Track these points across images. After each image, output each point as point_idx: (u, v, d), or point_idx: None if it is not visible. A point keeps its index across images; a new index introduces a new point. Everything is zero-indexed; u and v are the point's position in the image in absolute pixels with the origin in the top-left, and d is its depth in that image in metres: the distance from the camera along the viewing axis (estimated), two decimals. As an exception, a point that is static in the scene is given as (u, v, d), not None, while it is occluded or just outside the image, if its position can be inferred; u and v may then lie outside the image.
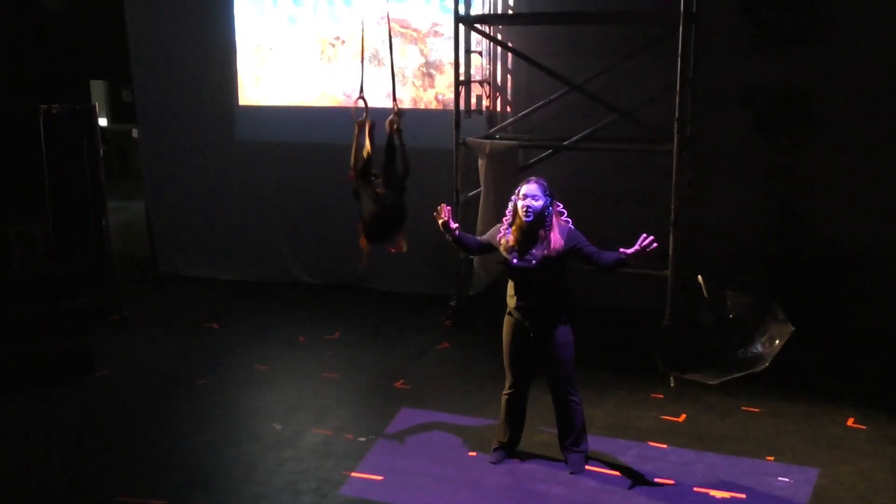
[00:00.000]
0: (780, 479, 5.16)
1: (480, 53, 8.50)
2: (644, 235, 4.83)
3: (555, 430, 5.37)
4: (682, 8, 6.87)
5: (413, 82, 8.66)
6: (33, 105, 7.91)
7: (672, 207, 7.11)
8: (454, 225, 5.17)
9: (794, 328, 6.23)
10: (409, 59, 8.62)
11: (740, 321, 6.64)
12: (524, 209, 4.98)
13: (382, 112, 8.07)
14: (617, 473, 5.23)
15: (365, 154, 6.42)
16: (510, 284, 5.17)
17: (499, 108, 8.62)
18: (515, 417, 5.36)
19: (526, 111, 8.21)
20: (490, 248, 5.26)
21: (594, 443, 5.43)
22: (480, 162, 7.78)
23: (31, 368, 6.69)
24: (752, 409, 6.12)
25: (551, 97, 8.00)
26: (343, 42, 8.91)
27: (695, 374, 6.47)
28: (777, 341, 6.32)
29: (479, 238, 5.48)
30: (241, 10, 9.21)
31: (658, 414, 6.06)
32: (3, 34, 9.51)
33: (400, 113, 6.71)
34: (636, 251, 4.85)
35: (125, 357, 7.29)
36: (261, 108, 9.33)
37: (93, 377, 6.84)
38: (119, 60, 9.67)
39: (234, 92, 9.37)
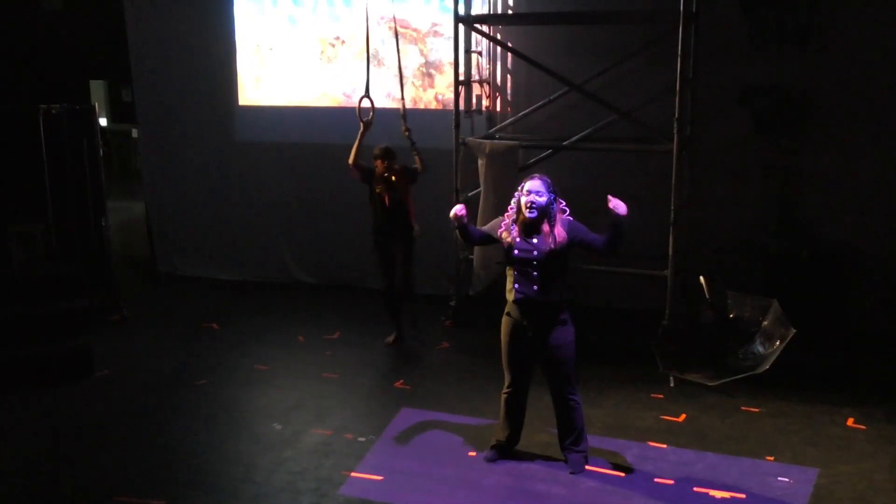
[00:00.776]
0: (780, 479, 5.16)
1: (480, 53, 8.50)
2: (609, 197, 4.94)
3: (555, 430, 5.37)
4: (682, 8, 6.87)
5: (413, 82, 8.65)
6: (33, 105, 7.92)
7: (672, 207, 7.12)
8: (466, 219, 5.20)
9: (794, 330, 6.23)
10: (408, 59, 8.62)
11: (740, 321, 6.64)
12: (528, 204, 4.99)
13: (384, 112, 8.13)
14: (617, 473, 5.23)
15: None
16: (509, 279, 5.17)
17: (499, 108, 8.62)
18: (514, 416, 5.36)
19: (526, 111, 8.21)
20: (490, 239, 5.27)
21: (594, 443, 5.43)
22: (480, 162, 7.78)
23: (31, 368, 6.68)
24: (752, 409, 6.12)
25: (551, 97, 8.00)
26: (343, 42, 8.91)
27: (695, 374, 6.47)
28: (777, 342, 6.32)
29: (480, 229, 5.49)
30: (241, 10, 9.21)
31: (658, 414, 6.06)
32: (3, 34, 9.52)
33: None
34: (615, 206, 4.91)
35: (125, 357, 7.29)
36: (261, 108, 9.33)
37: (93, 377, 6.84)
38: (119, 60, 9.67)
39: (234, 92, 9.37)
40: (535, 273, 5.03)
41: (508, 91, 8.57)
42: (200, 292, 9.25)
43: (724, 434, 5.76)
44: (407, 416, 6.05)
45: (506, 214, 5.18)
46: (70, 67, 9.92)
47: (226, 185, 9.52)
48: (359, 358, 7.25)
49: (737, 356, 6.53)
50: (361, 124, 7.49)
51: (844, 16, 7.45)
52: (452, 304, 8.08)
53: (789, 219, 7.73)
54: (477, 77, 8.49)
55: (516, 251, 5.05)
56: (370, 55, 8.14)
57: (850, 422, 5.90)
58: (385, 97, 8.51)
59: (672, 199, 7.11)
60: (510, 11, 8.41)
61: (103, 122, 14.88)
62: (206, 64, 9.36)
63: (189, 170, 9.62)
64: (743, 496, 4.96)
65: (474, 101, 8.43)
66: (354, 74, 8.63)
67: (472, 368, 6.90)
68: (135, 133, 11.54)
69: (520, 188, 5.11)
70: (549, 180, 5.09)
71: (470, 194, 8.19)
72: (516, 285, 5.11)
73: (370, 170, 7.28)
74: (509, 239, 5.08)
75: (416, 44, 8.67)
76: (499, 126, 8.48)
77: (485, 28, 8.16)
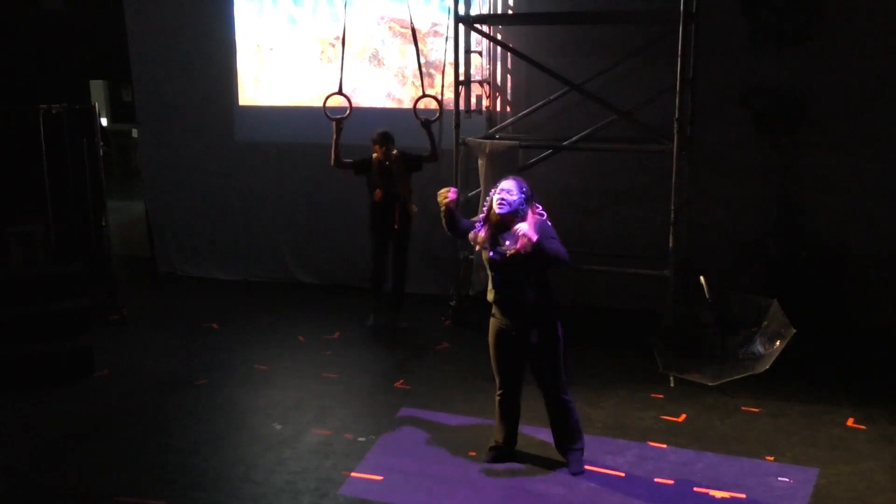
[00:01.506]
0: (779, 479, 5.16)
1: (480, 53, 8.50)
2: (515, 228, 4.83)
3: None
4: (682, 8, 6.87)
5: (413, 82, 8.65)
6: (33, 105, 7.92)
7: (672, 207, 7.12)
8: (454, 203, 5.16)
9: (795, 330, 6.23)
10: (408, 59, 8.62)
11: (740, 321, 6.64)
12: (499, 201, 4.97)
13: (382, 112, 8.14)
14: (617, 473, 5.23)
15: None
16: (489, 278, 5.14)
17: (499, 108, 8.62)
18: (509, 418, 5.35)
19: (526, 111, 8.21)
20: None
21: (594, 443, 5.43)
22: (480, 162, 7.78)
23: (31, 368, 6.68)
24: (751, 409, 6.12)
25: (551, 97, 8.00)
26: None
27: (695, 374, 6.47)
28: (778, 342, 6.32)
29: (468, 220, 5.33)
30: (241, 11, 9.21)
31: (658, 414, 6.06)
32: (3, 34, 9.51)
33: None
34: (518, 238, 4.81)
35: (125, 357, 7.29)
36: (261, 108, 9.33)
37: (93, 377, 6.84)
38: (119, 60, 9.67)
39: (234, 92, 9.37)
40: (508, 272, 4.98)
41: (508, 91, 8.57)
42: (200, 292, 9.25)
43: (724, 434, 5.76)
44: (407, 416, 6.05)
45: (479, 215, 5.16)
46: (70, 67, 9.91)
47: (226, 185, 9.52)
48: (359, 358, 7.25)
49: (737, 356, 6.53)
50: (333, 123, 7.57)
51: (844, 16, 7.45)
52: (452, 303, 8.08)
53: (789, 219, 7.74)
54: (477, 77, 8.50)
55: (489, 252, 5.03)
56: (371, 55, 8.17)
57: (850, 422, 5.90)
58: (385, 97, 8.51)
59: (672, 199, 7.11)
60: (510, 11, 8.41)
61: (104, 122, 14.87)
62: (206, 64, 9.36)
63: (189, 170, 9.62)
64: (743, 496, 4.96)
65: (474, 101, 8.43)
66: (355, 75, 8.63)
67: (472, 368, 6.89)
68: (135, 133, 11.54)
69: (494, 188, 5.09)
70: (523, 182, 5.05)
71: (470, 194, 8.20)
72: (492, 285, 5.09)
73: (361, 161, 7.53)
74: (479, 239, 5.05)
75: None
76: (499, 126, 8.48)
77: (485, 28, 8.16)
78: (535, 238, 4.80)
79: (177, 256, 9.83)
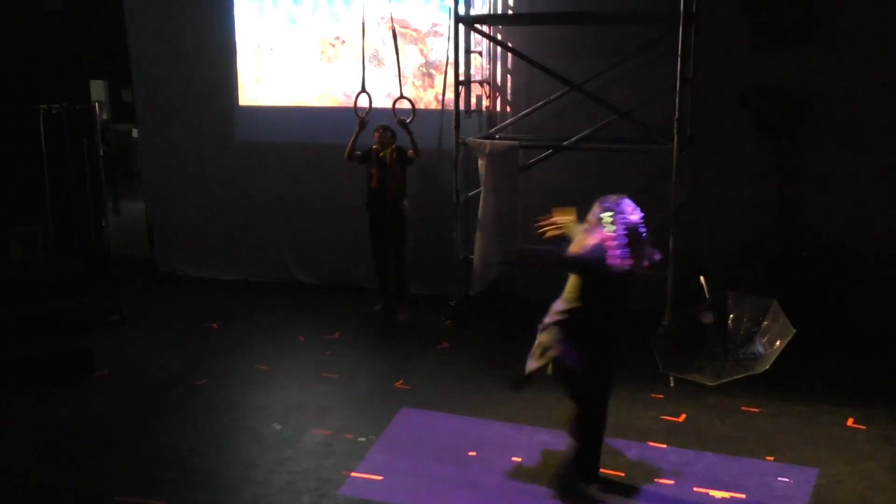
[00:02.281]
0: (779, 479, 5.17)
1: (480, 53, 8.50)
2: None
3: (555, 430, 5.37)
4: (682, 8, 6.88)
5: (413, 82, 8.65)
6: (33, 105, 7.92)
7: (672, 208, 7.11)
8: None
9: (795, 330, 6.23)
10: (408, 59, 8.62)
11: (740, 321, 6.64)
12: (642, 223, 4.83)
13: (385, 111, 8.15)
14: (617, 473, 5.23)
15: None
16: (584, 311, 4.74)
17: (499, 108, 8.62)
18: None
19: (526, 111, 8.21)
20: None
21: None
22: (480, 162, 7.78)
23: (31, 368, 6.68)
24: (751, 409, 6.12)
25: (551, 97, 8.00)
26: (343, 42, 8.90)
27: (695, 374, 6.47)
28: (778, 343, 6.32)
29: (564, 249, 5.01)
30: (241, 11, 9.20)
31: (658, 414, 6.06)
32: (3, 34, 9.51)
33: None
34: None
35: (125, 357, 7.29)
36: (261, 109, 9.33)
37: (93, 377, 6.84)
38: (119, 60, 9.67)
39: (234, 92, 9.37)
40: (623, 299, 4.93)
41: (508, 91, 8.56)
42: (200, 292, 9.24)
43: (724, 434, 5.76)
44: (407, 416, 6.05)
45: (607, 237, 4.82)
46: (70, 67, 9.90)
47: (226, 186, 9.52)
48: (359, 358, 7.25)
49: (737, 356, 6.53)
50: (359, 121, 8.03)
51: (844, 16, 7.45)
52: (452, 303, 8.08)
53: (789, 219, 7.73)
54: (477, 77, 8.49)
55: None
56: (371, 56, 8.15)
57: (850, 422, 5.90)
58: (385, 97, 8.50)
59: (672, 199, 7.09)
60: (510, 11, 8.41)
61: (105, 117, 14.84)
62: (206, 64, 9.36)
63: (189, 170, 9.61)
64: (743, 496, 4.96)
65: (474, 101, 8.43)
66: (354, 75, 8.63)
67: (472, 368, 6.90)
68: (135, 133, 11.53)
69: (615, 207, 4.92)
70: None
71: (470, 194, 8.20)
72: (604, 317, 4.86)
73: (364, 152, 8.03)
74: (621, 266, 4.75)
75: (416, 44, 8.67)
76: (499, 126, 8.48)
77: (485, 28, 8.16)
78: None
79: (177, 256, 9.83)
